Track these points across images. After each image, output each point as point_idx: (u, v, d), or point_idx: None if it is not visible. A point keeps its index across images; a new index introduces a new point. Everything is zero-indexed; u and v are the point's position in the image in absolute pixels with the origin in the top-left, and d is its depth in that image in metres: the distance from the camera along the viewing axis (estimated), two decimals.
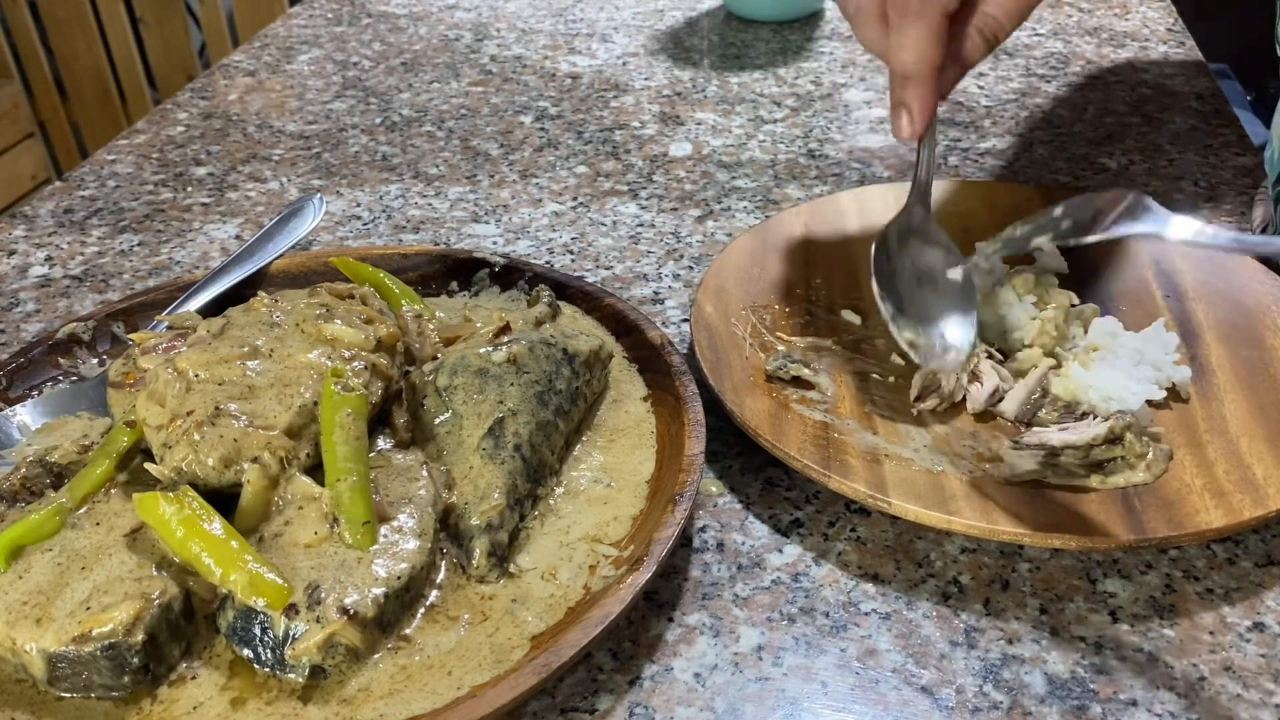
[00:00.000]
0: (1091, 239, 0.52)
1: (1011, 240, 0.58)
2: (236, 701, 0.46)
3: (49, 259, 0.83)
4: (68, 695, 0.47)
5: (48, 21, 2.43)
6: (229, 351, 0.55)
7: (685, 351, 0.69)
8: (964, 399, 0.61)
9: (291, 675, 0.46)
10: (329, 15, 1.29)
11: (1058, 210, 0.55)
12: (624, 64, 1.13)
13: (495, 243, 0.83)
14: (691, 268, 0.79)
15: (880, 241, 0.63)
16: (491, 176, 0.92)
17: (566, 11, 1.27)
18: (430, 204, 0.88)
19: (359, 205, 0.88)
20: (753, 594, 0.53)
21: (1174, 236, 0.48)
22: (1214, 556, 0.55)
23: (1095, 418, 0.58)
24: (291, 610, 0.46)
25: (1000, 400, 0.61)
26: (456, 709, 0.44)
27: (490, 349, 0.58)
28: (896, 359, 0.66)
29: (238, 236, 0.85)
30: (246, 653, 0.47)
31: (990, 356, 0.63)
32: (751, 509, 0.58)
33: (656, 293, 0.76)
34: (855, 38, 1.00)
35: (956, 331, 0.60)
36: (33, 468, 0.54)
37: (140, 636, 0.46)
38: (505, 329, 0.61)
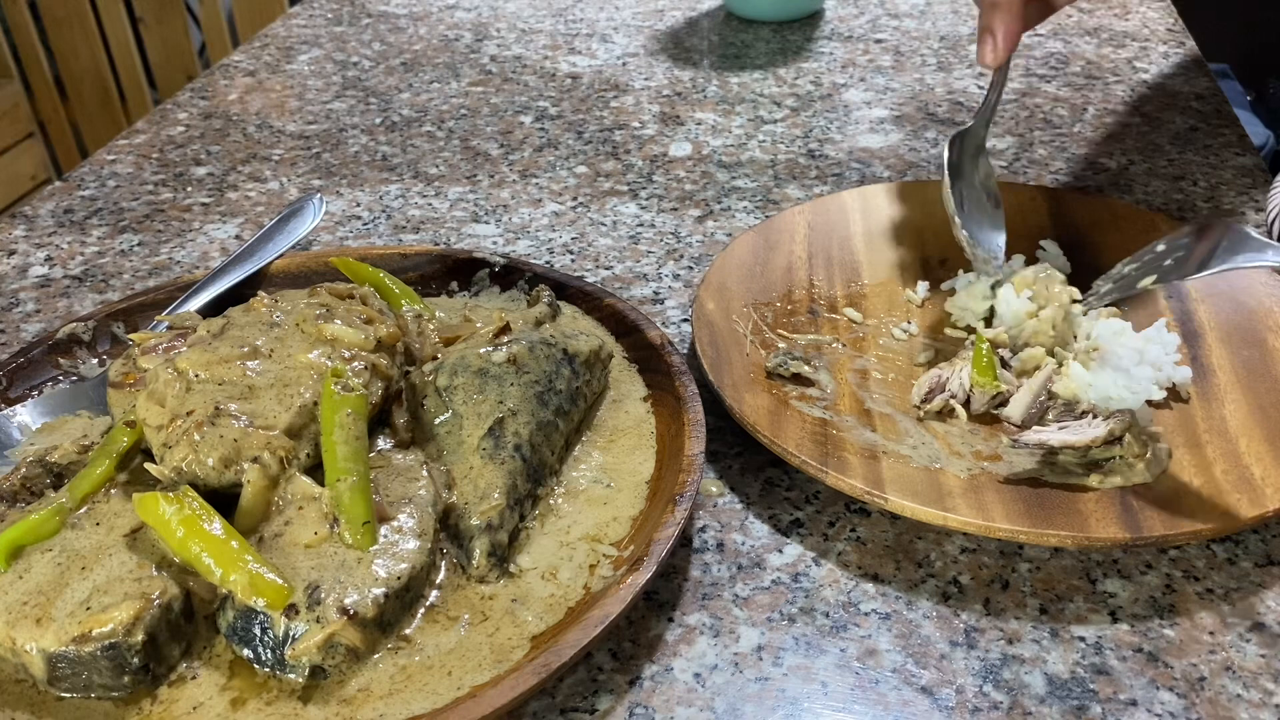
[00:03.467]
0: (1195, 277, 0.55)
1: (1121, 279, 0.60)
2: (236, 701, 0.46)
3: (49, 259, 0.83)
4: (68, 695, 0.47)
5: (48, 21, 2.43)
6: (229, 351, 0.55)
7: (685, 351, 0.69)
8: (968, 400, 0.61)
9: (291, 675, 0.46)
10: (329, 15, 1.29)
11: (1160, 247, 0.59)
12: (624, 64, 1.13)
13: (495, 243, 0.83)
14: (691, 268, 0.79)
15: (954, 148, 0.71)
16: (491, 176, 0.92)
17: (566, 11, 1.27)
18: (430, 204, 0.88)
19: (359, 205, 0.88)
20: (753, 594, 0.53)
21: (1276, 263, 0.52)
22: (1214, 556, 0.55)
23: (1095, 417, 0.58)
24: (291, 610, 0.46)
25: (1004, 403, 0.61)
26: (456, 709, 0.44)
27: (490, 349, 0.58)
28: (895, 358, 0.66)
29: (238, 236, 0.85)
30: (246, 653, 0.47)
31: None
32: (751, 509, 0.58)
33: (656, 293, 0.76)
34: None
35: (995, 246, 0.70)
36: (33, 468, 0.54)
37: (140, 636, 0.45)
38: (505, 329, 0.61)
